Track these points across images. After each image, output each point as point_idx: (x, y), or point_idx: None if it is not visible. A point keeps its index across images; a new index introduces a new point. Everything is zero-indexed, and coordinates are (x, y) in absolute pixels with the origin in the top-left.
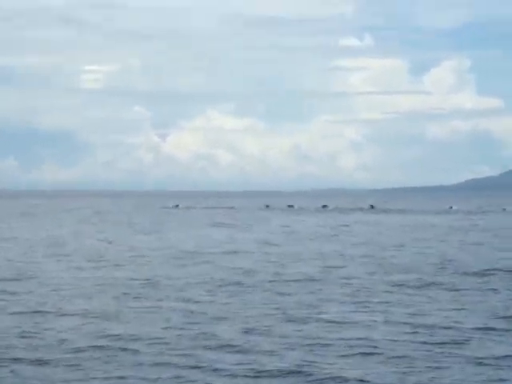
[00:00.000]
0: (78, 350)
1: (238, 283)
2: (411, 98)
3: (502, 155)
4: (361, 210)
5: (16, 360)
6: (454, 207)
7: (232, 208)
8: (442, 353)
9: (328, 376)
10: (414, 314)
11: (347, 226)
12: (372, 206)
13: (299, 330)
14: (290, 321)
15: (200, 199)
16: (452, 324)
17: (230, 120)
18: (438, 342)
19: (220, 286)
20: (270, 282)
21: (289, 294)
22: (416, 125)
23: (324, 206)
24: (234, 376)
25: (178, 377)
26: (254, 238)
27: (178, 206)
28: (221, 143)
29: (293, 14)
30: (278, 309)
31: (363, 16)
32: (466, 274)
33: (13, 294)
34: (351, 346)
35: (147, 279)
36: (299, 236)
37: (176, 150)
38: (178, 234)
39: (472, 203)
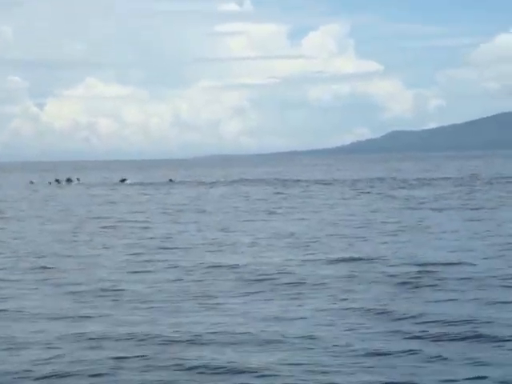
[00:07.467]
0: None
1: None
2: (291, 62)
3: (381, 118)
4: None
5: None
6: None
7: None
8: None
9: None
10: None
11: None
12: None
13: None
14: None
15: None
16: None
17: (110, 88)
18: None
19: None
20: None
21: None
22: (298, 89)
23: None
24: None
25: None
26: None
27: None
28: (101, 112)
29: None
30: None
31: None
32: None
33: None
34: None
35: None
36: None
37: (55, 119)
38: None
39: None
